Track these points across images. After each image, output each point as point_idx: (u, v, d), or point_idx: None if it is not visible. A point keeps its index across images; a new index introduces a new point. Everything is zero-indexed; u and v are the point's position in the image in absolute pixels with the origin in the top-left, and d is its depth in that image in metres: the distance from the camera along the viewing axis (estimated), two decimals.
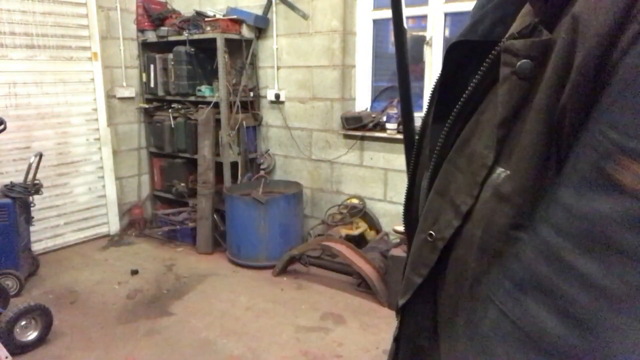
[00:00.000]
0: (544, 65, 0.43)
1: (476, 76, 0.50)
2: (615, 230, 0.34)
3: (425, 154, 0.66)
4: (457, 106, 0.53)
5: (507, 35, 0.48)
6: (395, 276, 2.86)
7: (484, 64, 0.49)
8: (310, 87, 3.77)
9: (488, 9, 0.57)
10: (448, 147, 0.54)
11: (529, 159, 0.42)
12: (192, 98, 4.00)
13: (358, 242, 3.44)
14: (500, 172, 0.45)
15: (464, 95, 0.52)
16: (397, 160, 3.43)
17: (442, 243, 0.52)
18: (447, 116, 0.58)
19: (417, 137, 0.71)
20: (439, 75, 0.59)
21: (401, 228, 0.75)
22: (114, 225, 4.34)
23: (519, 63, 0.44)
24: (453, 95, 0.57)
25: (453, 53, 0.57)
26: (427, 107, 0.69)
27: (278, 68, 3.93)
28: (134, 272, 3.49)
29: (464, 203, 0.49)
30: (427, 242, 0.54)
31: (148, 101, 4.37)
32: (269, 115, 4.09)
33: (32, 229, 3.48)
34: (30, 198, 3.30)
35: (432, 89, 0.69)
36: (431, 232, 0.54)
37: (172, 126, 4.09)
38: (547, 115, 0.41)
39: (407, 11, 3.75)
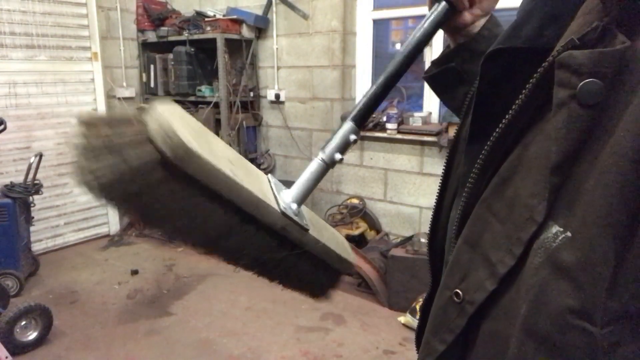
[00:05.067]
0: (618, 88, 0.32)
1: (520, 97, 0.38)
2: None
3: (457, 176, 0.56)
4: (493, 135, 0.40)
5: (562, 42, 0.35)
6: (395, 276, 2.86)
7: (531, 81, 0.37)
8: (310, 87, 3.77)
9: (535, 4, 0.43)
10: (482, 184, 0.42)
11: (603, 224, 0.31)
12: (192, 98, 4.00)
13: (358, 242, 3.44)
14: (557, 232, 0.33)
15: (502, 122, 0.40)
16: (397, 160, 3.43)
17: (471, 308, 0.41)
18: (484, 137, 0.47)
19: (447, 154, 0.59)
20: (475, 89, 0.48)
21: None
22: (114, 225, 4.34)
23: (581, 84, 0.32)
24: (491, 114, 0.46)
25: (490, 63, 0.45)
26: (461, 118, 0.58)
27: (278, 68, 3.93)
28: (134, 272, 3.49)
29: (501, 262, 0.38)
30: (453, 302, 0.43)
31: (148, 101, 4.37)
32: (269, 115, 4.09)
33: (32, 229, 3.48)
34: (30, 198, 3.30)
35: (469, 98, 0.58)
36: (458, 291, 0.42)
37: None
38: (636, 165, 0.30)
39: (408, 11, 3.74)
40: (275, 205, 0.67)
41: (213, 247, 0.66)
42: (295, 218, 0.68)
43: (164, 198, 0.55)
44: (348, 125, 0.68)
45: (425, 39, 0.68)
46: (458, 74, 0.69)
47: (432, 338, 0.45)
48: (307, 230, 0.70)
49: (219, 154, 0.62)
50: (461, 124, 0.58)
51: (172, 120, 0.55)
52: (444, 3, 0.68)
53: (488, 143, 0.41)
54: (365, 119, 0.69)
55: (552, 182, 0.34)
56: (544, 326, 0.33)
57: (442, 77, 0.72)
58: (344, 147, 0.69)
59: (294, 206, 0.70)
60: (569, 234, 0.33)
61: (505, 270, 0.37)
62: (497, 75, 0.45)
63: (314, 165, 0.70)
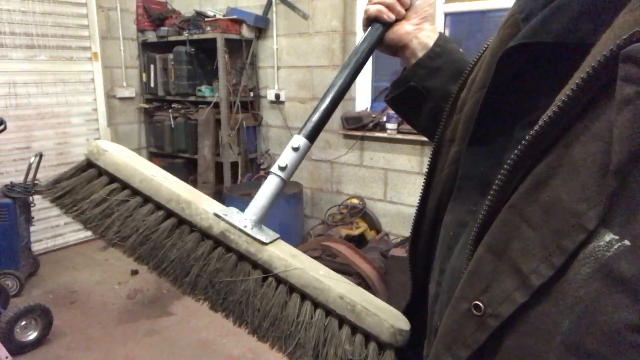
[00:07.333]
0: None
1: (566, 94, 0.35)
2: None
3: (442, 178, 0.55)
4: (531, 134, 0.37)
5: (628, 32, 0.32)
6: (395, 276, 2.86)
7: (582, 76, 0.34)
8: (310, 87, 3.77)
9: None
10: (510, 189, 0.39)
11: None
12: (192, 98, 4.01)
13: (358, 242, 3.43)
14: (612, 240, 0.31)
15: (542, 120, 0.36)
16: (397, 160, 3.43)
17: (495, 322, 0.38)
18: (489, 138, 0.45)
19: (430, 157, 0.58)
20: (487, 86, 0.46)
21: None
22: None
23: None
24: (501, 113, 0.45)
25: (510, 59, 0.42)
26: (444, 119, 0.57)
27: (278, 68, 3.92)
28: (134, 272, 3.49)
29: (535, 273, 0.35)
30: (471, 315, 0.39)
31: (148, 101, 4.37)
32: (269, 115, 4.09)
33: (32, 229, 3.47)
34: (31, 198, 3.29)
35: (452, 100, 0.57)
36: (478, 303, 0.39)
37: (172, 126, 4.09)
38: None
39: None
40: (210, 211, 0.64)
41: (151, 255, 0.64)
42: (242, 226, 0.64)
43: (90, 189, 0.68)
44: (304, 142, 0.69)
45: (368, 53, 0.72)
46: (419, 92, 0.69)
47: (444, 352, 0.42)
48: (263, 243, 0.64)
49: (158, 173, 0.68)
50: (444, 126, 0.56)
51: (107, 145, 0.67)
52: (377, 24, 0.71)
53: (523, 143, 0.37)
54: (317, 135, 0.71)
55: (610, 186, 0.31)
56: (594, 342, 0.30)
57: (403, 98, 0.72)
58: (298, 164, 0.70)
59: (247, 218, 0.66)
60: (627, 242, 0.30)
61: (541, 282, 0.34)
62: (514, 72, 0.43)
63: (272, 182, 0.70)
